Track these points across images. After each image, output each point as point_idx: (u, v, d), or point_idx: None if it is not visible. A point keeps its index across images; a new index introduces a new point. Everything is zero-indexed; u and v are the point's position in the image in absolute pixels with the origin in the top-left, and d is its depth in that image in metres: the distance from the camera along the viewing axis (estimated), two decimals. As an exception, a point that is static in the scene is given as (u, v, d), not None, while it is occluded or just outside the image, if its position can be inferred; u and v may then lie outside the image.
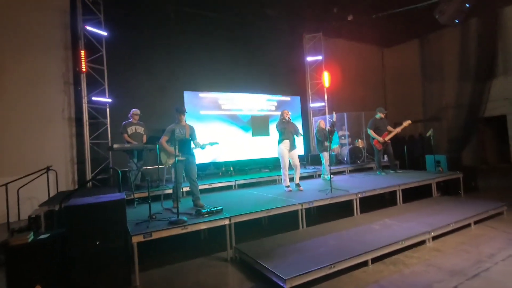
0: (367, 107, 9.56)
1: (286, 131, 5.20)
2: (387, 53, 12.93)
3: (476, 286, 2.66)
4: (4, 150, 5.91)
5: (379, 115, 6.94)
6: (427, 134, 6.82)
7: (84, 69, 6.24)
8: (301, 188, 5.31)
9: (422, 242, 3.66)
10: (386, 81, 12.96)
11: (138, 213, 4.03)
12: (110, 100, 6.69)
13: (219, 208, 3.80)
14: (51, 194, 5.55)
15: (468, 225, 4.21)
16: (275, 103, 8.77)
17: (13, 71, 6.09)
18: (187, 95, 7.43)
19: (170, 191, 5.02)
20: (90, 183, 6.23)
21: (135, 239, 3.05)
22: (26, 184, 5.16)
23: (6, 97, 6.01)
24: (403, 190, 5.30)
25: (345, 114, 8.89)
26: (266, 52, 9.10)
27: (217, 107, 7.85)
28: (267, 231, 4.23)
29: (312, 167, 8.03)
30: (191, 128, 4.44)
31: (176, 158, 4.08)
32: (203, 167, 7.39)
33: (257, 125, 8.37)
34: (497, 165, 10.21)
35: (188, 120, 4.88)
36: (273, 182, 6.69)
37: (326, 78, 9.64)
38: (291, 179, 5.40)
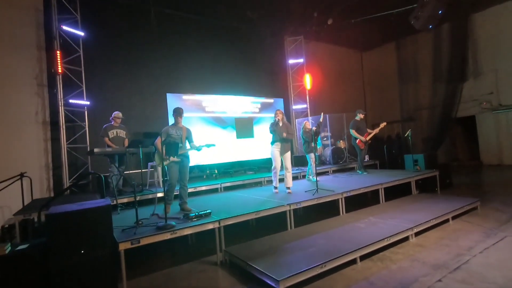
0: (347, 109, 9.83)
1: (277, 133, 5.04)
2: (365, 56, 13.38)
3: (459, 278, 2.79)
4: (-28, 156, 5.53)
5: (359, 116, 7.15)
6: (406, 135, 7.10)
7: (60, 71, 5.96)
8: (290, 191, 5.11)
9: (406, 238, 3.80)
10: (365, 83, 13.39)
11: (122, 219, 3.90)
12: (88, 102, 6.43)
13: (207, 211, 3.75)
14: (26, 202, 5.24)
15: (447, 220, 4.42)
16: (259, 105, 8.80)
17: (-20, 72, 5.72)
18: (170, 97, 7.30)
19: (156, 195, 4.88)
20: (68, 189, 5.95)
21: (122, 246, 2.94)
22: (-3, 192, 4.84)
23: (-27, 100, 5.64)
24: (385, 188, 5.48)
25: (327, 116, 9.08)
26: (249, 54, 9.13)
27: (200, 110, 7.76)
28: (255, 233, 4.22)
29: (296, 168, 8.12)
30: (188, 130, 4.36)
31: (169, 160, 4.00)
32: (187, 170, 7.26)
33: (241, 127, 8.36)
34: (467, 162, 10.83)
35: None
36: (258, 183, 6.69)
37: (307, 81, 9.81)
38: (280, 180, 5.36)
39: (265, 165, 8.36)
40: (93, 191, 6.00)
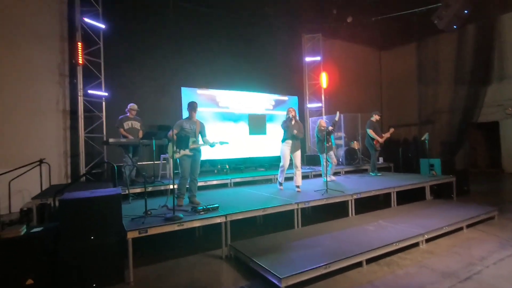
0: (363, 109, 9.62)
1: (289, 130, 5.01)
2: (384, 55, 13.02)
3: (468, 288, 2.70)
4: (-4, 141, 5.80)
5: (375, 117, 7.02)
6: (422, 139, 6.90)
7: (81, 62, 6.15)
8: (299, 190, 5.05)
9: (416, 244, 3.70)
10: (382, 84, 13.06)
11: (132, 209, 3.99)
12: (106, 94, 6.61)
13: (215, 205, 3.79)
14: (44, 187, 5.46)
15: (461, 228, 4.27)
16: (273, 103, 8.77)
17: (5, 62, 5.94)
18: (185, 91, 7.38)
19: (168, 187, 4.97)
20: (84, 177, 6.15)
21: (130, 235, 3.02)
22: (18, 176, 5.07)
23: (-1, 88, 5.90)
24: (397, 192, 5.35)
25: (341, 115, 8.93)
26: (265, 51, 9.08)
27: (214, 105, 7.81)
28: (261, 230, 4.23)
29: (308, 167, 8.05)
30: (202, 125, 4.39)
31: (180, 154, 4.06)
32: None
33: (254, 123, 8.36)
34: (486, 169, 10.41)
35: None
36: (268, 181, 6.69)
37: (324, 79, 9.67)
38: (290, 179, 5.32)
39: (276, 162, 8.24)
40: (107, 180, 6.19)
